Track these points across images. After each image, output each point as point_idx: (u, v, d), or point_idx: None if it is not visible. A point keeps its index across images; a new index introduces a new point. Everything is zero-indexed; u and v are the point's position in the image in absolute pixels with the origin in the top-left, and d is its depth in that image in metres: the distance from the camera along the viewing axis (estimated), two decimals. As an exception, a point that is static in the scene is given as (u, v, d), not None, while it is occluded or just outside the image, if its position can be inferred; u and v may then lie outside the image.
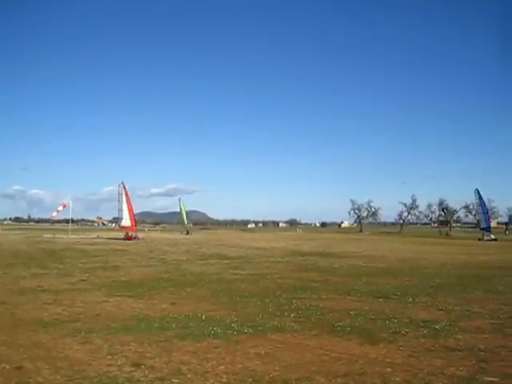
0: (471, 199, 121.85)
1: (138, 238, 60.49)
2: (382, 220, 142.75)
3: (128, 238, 60.07)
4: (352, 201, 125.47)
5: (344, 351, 8.76)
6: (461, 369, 7.57)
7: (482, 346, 8.94)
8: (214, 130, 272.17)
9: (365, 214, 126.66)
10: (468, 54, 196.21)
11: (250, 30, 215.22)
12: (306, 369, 7.70)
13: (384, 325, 10.99)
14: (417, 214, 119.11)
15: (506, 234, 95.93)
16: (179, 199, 78.23)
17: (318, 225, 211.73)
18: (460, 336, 9.85)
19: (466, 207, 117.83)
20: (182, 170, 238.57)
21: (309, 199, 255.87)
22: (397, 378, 7.15)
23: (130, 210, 66.06)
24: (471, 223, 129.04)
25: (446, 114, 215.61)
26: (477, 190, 75.50)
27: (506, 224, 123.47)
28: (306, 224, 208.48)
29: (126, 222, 65.53)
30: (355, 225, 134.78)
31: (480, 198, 75.84)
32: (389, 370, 7.57)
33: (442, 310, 12.94)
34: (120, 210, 66.02)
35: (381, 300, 14.62)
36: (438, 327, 10.63)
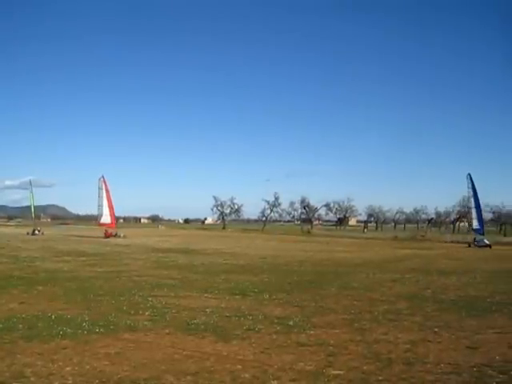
0: (332, 198, 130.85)
1: (119, 236, 58.72)
2: (246, 217, 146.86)
3: (107, 235, 57.71)
4: (215, 197, 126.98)
5: (196, 349, 8.97)
6: (310, 363, 8.07)
7: (331, 341, 9.59)
8: (72, 120, 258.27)
9: (228, 210, 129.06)
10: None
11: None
12: (155, 368, 7.79)
13: (239, 322, 11.40)
14: (279, 211, 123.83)
15: (364, 232, 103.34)
16: (30, 192, 73.59)
17: (181, 221, 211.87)
18: (312, 332, 10.48)
19: (327, 205, 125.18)
20: (40, 161, 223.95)
21: (172, 195, 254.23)
22: (246, 375, 7.45)
23: (111, 205, 63.84)
24: (332, 221, 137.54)
25: (305, 114, 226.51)
26: (469, 175, 56.10)
27: (365, 222, 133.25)
28: (168, 220, 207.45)
29: (106, 218, 63.37)
30: (219, 221, 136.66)
31: (473, 187, 56.43)
32: (239, 366, 7.87)
33: (297, 306, 13.66)
34: (100, 206, 63.64)
35: (238, 297, 15.13)
36: (291, 323, 11.22)
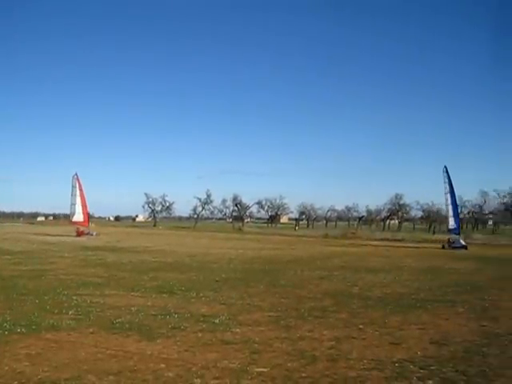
0: (264, 195, 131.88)
1: (91, 234, 57.67)
2: (178, 214, 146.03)
3: (79, 233, 56.88)
4: (146, 194, 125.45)
5: (120, 348, 8.92)
6: (234, 361, 8.15)
7: (257, 339, 9.72)
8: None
9: (159, 208, 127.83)
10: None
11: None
12: (77, 368, 7.69)
13: (164, 320, 11.38)
14: (211, 208, 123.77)
15: (295, 229, 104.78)
16: None
17: (112, 219, 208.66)
18: (237, 329, 10.57)
19: (259, 203, 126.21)
20: None
21: (102, 192, 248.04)
22: (170, 374, 7.46)
23: (84, 204, 62.57)
24: (264, 218, 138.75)
25: (237, 111, 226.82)
26: (445, 167, 49.61)
27: (297, 220, 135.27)
28: (99, 218, 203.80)
29: (79, 216, 61.84)
30: (150, 219, 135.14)
31: (450, 182, 50.07)
32: (163, 365, 7.88)
33: (224, 304, 13.76)
34: (73, 204, 62.18)
35: (165, 295, 15.10)
36: (217, 321, 11.30)
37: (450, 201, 50.14)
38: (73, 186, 62.68)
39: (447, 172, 49.35)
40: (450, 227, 50.58)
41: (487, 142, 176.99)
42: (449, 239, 48.61)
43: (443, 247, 46.61)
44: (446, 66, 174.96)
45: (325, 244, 51.64)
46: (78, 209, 62.48)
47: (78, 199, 62.45)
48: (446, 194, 50.05)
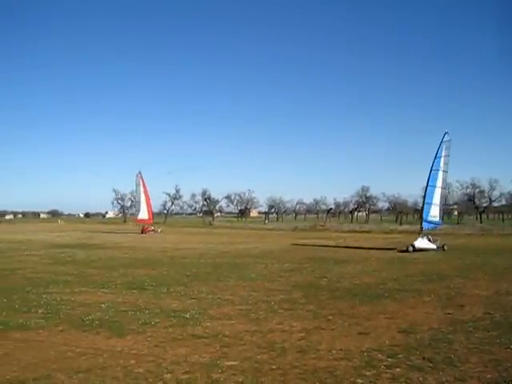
0: (233, 189, 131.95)
1: (156, 231, 58.38)
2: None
3: (144, 231, 57.79)
4: (115, 190, 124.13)
5: (90, 346, 8.87)
6: (204, 355, 8.17)
7: (227, 332, 9.76)
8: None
9: (128, 204, 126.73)
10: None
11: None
12: (46, 367, 7.63)
13: (135, 316, 11.36)
14: (181, 203, 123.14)
15: (265, 223, 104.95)
16: None
17: (81, 215, 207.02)
18: (208, 323, 10.60)
19: (228, 197, 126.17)
20: None
21: (71, 189, 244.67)
22: (140, 370, 7.45)
23: (148, 202, 62.79)
24: (233, 213, 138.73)
25: (204, 105, 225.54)
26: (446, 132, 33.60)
27: (266, 213, 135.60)
28: (69, 215, 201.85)
29: (143, 214, 62.11)
30: (120, 215, 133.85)
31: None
32: (133, 361, 7.85)
33: (194, 298, 13.77)
34: (137, 202, 63.27)
35: (135, 291, 15.02)
36: (187, 316, 11.31)
37: (438, 182, 34.29)
38: (136, 185, 63.17)
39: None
40: (434, 219, 34.55)
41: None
42: (420, 231, 33.98)
43: (405, 250, 30.59)
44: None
45: (294, 237, 51.84)
46: (143, 207, 62.65)
47: (143, 197, 62.58)
48: (436, 170, 33.93)
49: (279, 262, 23.63)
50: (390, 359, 7.97)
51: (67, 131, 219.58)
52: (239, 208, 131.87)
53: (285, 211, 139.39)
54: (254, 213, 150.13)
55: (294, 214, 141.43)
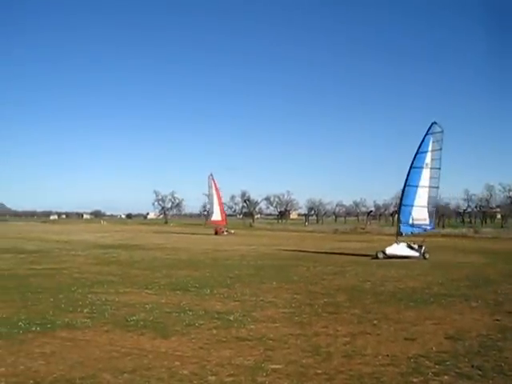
0: (273, 191, 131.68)
1: (229, 233, 59.63)
2: (188, 211, 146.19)
3: (218, 232, 59.06)
4: (155, 192, 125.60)
5: (134, 346, 8.90)
6: (248, 358, 8.10)
7: (271, 335, 9.67)
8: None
9: (169, 205, 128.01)
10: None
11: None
12: (92, 366, 7.67)
13: (179, 317, 11.36)
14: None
15: (305, 225, 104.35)
16: None
17: (123, 216, 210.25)
18: (252, 326, 10.53)
19: (267, 199, 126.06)
20: None
21: (114, 190, 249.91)
22: (185, 371, 7.41)
23: (221, 203, 64.53)
24: (273, 214, 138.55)
25: (244, 108, 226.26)
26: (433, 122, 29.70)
27: (306, 215, 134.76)
28: (111, 215, 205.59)
29: (217, 216, 63.48)
30: (161, 216, 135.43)
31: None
32: (177, 363, 7.83)
33: (237, 300, 13.71)
34: (210, 204, 64.83)
35: (179, 292, 15.06)
36: (231, 318, 11.25)
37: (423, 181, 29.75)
38: (209, 186, 64.04)
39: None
40: (421, 222, 30.02)
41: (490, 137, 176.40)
42: (397, 232, 30.26)
43: (376, 256, 27.76)
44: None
45: (335, 239, 51.42)
46: (216, 208, 63.69)
47: (215, 198, 63.54)
48: (419, 168, 29.66)
49: (321, 265, 23.45)
50: (437, 366, 7.74)
51: (109, 135, 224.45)
52: (279, 210, 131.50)
53: (324, 213, 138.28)
54: (293, 215, 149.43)
55: (334, 217, 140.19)
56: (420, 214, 29.67)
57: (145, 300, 13.70)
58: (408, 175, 29.65)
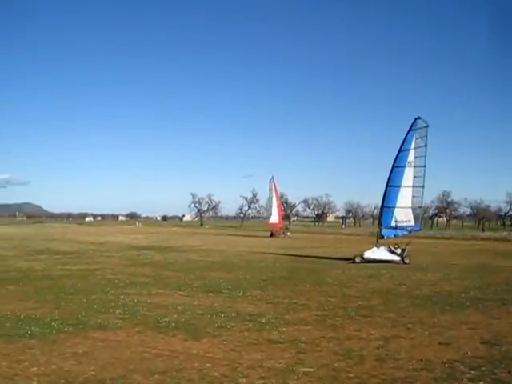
0: (311, 193, 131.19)
1: (286, 235, 60.27)
2: (224, 214, 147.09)
3: (274, 234, 59.87)
4: (192, 194, 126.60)
5: (166, 348, 8.91)
6: (280, 361, 8.03)
7: (303, 338, 9.58)
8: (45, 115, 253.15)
9: (205, 207, 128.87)
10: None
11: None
12: (123, 367, 7.71)
13: (210, 319, 11.34)
14: (257, 207, 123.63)
15: (342, 228, 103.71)
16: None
17: (159, 218, 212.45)
18: (284, 328, 10.45)
19: (305, 201, 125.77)
20: (15, 159, 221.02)
21: (150, 192, 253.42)
22: (215, 373, 7.39)
23: (279, 206, 65.74)
24: (310, 217, 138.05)
25: (283, 110, 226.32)
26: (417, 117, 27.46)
27: (343, 218, 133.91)
28: (146, 217, 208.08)
29: (274, 218, 64.43)
30: (197, 218, 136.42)
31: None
32: (208, 365, 7.81)
33: (270, 303, 13.66)
34: (270, 207, 65.51)
35: (211, 294, 15.06)
36: (263, 320, 11.20)
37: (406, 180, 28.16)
38: (270, 189, 64.87)
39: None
40: (405, 224, 28.67)
41: None
42: (378, 235, 29.33)
43: (354, 261, 26.77)
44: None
45: (372, 242, 50.73)
46: (274, 211, 64.44)
47: (274, 201, 64.49)
48: (401, 167, 28.14)
49: (357, 268, 23.23)
50: (472, 372, 7.55)
51: (147, 138, 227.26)
52: (316, 212, 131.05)
53: (362, 216, 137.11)
54: (331, 217, 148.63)
55: (372, 219, 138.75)
56: (404, 215, 28.42)
57: (177, 301, 13.75)
58: (389, 175, 28.27)
